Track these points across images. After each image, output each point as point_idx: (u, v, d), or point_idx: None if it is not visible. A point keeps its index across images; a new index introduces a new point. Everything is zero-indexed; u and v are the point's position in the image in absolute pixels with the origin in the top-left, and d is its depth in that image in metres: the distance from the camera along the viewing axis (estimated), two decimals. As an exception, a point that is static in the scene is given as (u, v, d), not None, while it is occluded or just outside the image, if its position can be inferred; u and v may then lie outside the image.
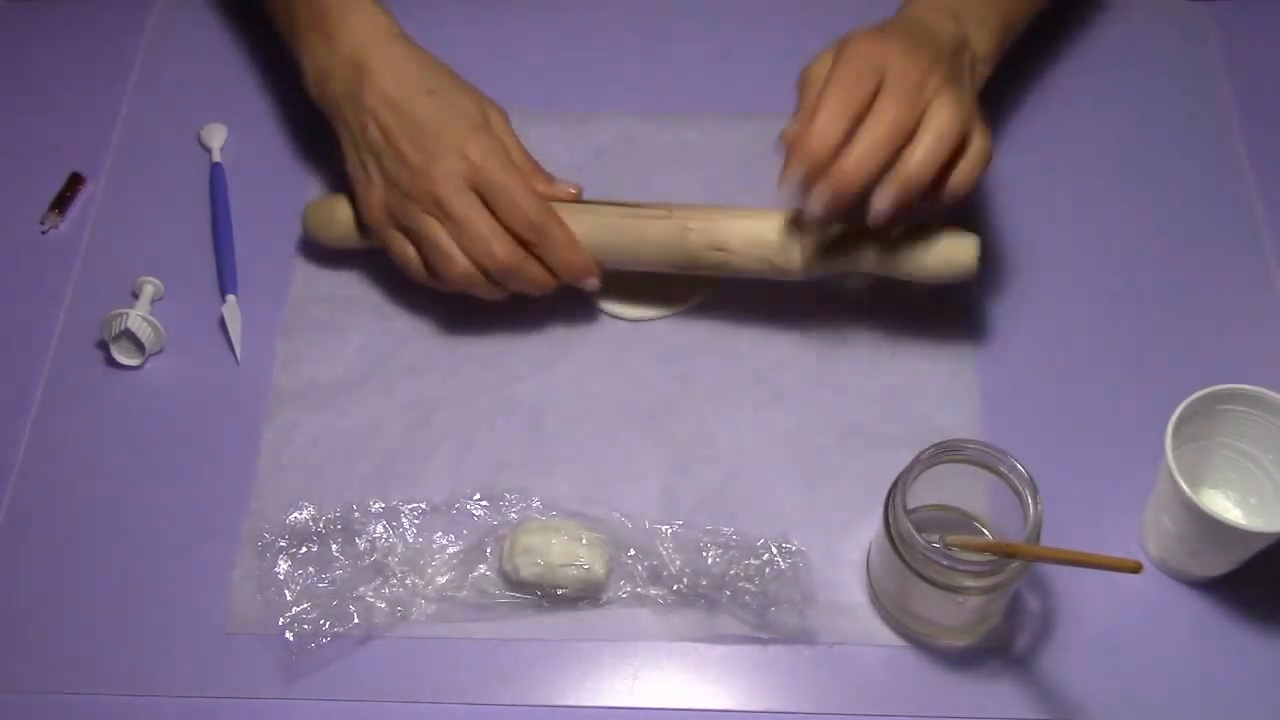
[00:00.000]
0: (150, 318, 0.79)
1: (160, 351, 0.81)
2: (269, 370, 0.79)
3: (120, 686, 0.70)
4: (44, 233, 0.86)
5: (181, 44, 0.94)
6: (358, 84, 0.75)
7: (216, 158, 0.88)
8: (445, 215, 0.73)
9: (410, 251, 0.75)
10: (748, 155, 0.86)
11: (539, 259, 0.75)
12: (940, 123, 0.68)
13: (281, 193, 0.86)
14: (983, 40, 0.76)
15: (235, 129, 0.89)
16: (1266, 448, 0.69)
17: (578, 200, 0.77)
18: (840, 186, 0.67)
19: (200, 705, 0.70)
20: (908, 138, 0.68)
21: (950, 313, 0.81)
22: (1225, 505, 0.72)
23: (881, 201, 0.68)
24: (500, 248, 0.73)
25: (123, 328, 0.79)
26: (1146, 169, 0.86)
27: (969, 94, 0.72)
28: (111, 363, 0.80)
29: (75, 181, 0.88)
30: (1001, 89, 0.89)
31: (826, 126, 0.67)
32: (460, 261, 0.74)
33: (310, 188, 0.86)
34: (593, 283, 0.76)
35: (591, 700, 0.69)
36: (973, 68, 0.74)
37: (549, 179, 0.77)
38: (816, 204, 0.68)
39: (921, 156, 0.68)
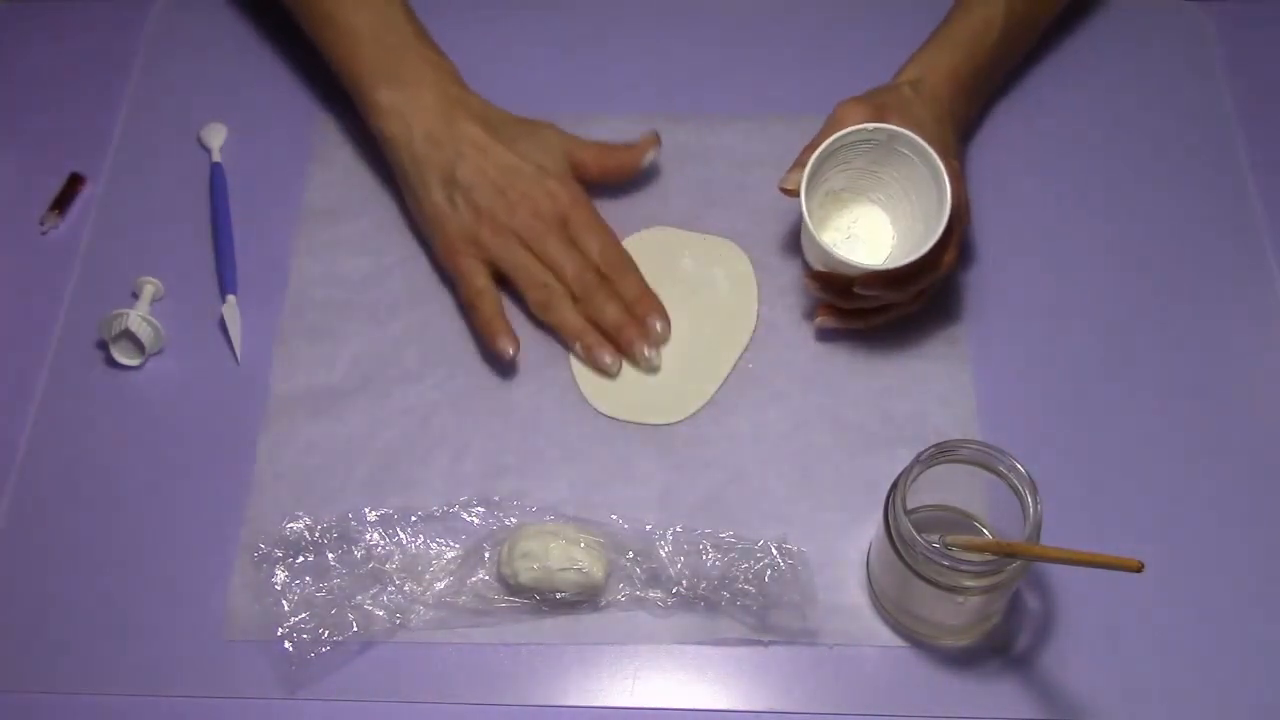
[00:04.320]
0: (150, 318, 0.79)
1: (160, 352, 0.81)
2: (269, 371, 0.79)
3: (119, 687, 0.70)
4: (44, 233, 0.86)
5: (181, 44, 0.94)
6: (445, 128, 0.79)
7: (216, 158, 0.88)
8: (531, 245, 0.78)
9: (481, 280, 0.78)
10: (739, 157, 0.86)
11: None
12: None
13: (281, 193, 0.86)
14: (972, 112, 0.84)
15: (235, 129, 0.89)
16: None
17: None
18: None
19: (200, 706, 0.70)
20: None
21: (947, 313, 0.80)
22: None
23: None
24: (587, 276, 0.78)
25: (123, 328, 0.79)
26: (1145, 169, 0.86)
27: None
28: (111, 363, 0.80)
29: (75, 181, 0.88)
30: (1000, 87, 0.89)
31: None
32: (542, 281, 0.78)
33: (310, 188, 0.86)
34: (658, 326, 0.79)
35: (591, 701, 0.69)
36: (960, 141, 0.81)
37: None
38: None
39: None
